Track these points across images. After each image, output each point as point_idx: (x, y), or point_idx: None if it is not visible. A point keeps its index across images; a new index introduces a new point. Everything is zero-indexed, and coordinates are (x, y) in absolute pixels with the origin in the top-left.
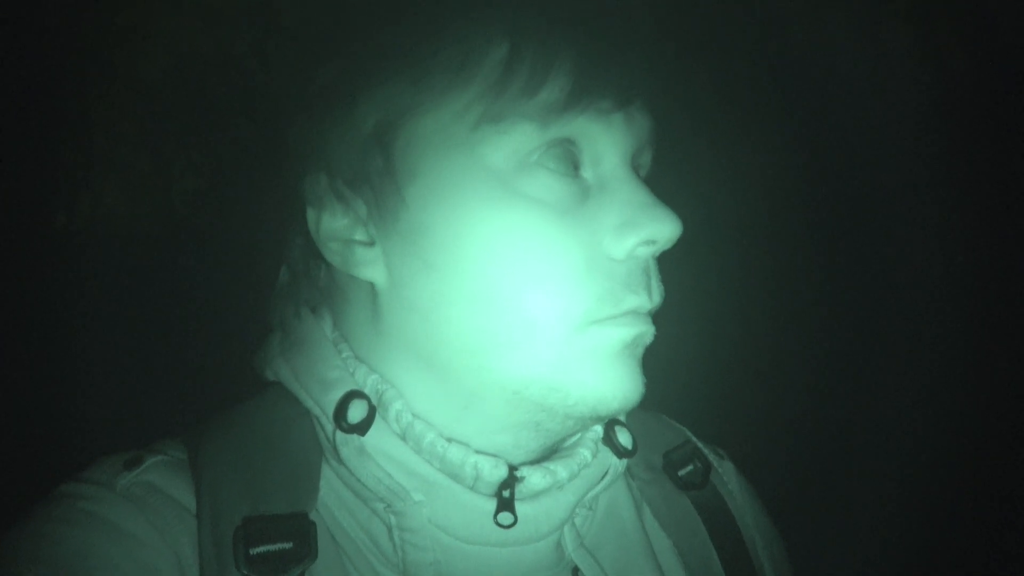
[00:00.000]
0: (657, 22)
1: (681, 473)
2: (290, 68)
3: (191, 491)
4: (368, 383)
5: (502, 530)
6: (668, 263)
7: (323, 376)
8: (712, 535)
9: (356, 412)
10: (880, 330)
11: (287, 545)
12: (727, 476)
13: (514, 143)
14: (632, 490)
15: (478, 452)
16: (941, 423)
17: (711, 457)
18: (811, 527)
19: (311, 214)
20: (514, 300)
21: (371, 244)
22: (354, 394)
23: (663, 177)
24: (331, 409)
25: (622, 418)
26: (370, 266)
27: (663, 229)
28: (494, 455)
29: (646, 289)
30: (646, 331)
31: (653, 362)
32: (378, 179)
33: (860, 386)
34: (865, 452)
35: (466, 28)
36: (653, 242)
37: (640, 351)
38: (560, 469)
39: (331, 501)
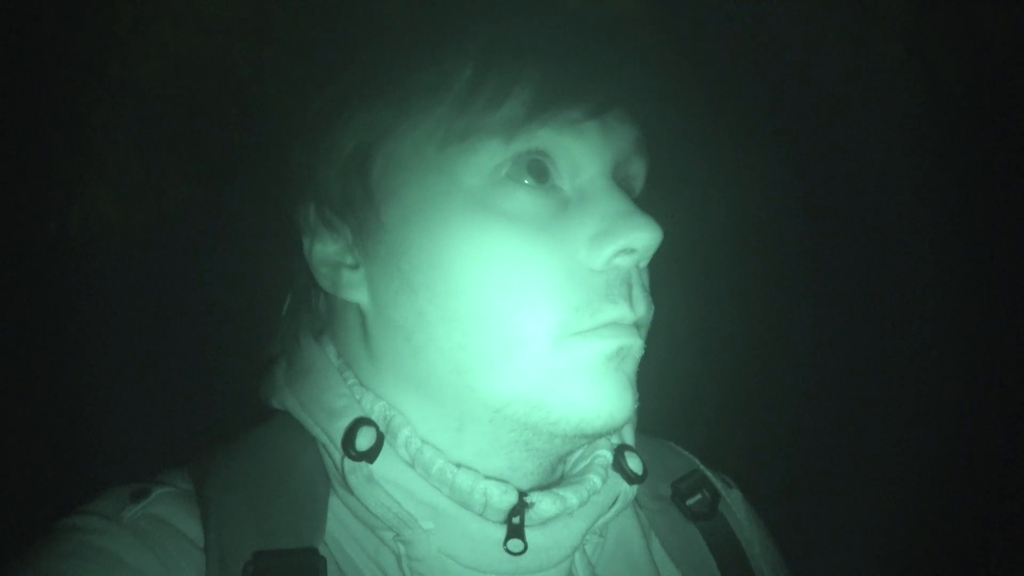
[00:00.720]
0: (633, 32)
1: (690, 503)
2: (281, 104)
3: (198, 524)
4: (376, 409)
5: (512, 558)
6: (674, 276)
7: (330, 405)
8: (720, 566)
9: (364, 440)
10: (879, 336)
11: None
12: (735, 505)
13: (482, 159)
14: (640, 519)
15: (487, 478)
16: (939, 431)
17: (719, 486)
18: (810, 536)
19: (306, 242)
20: (491, 317)
21: (357, 268)
22: (362, 421)
23: (657, 186)
24: (339, 437)
25: (630, 443)
26: (355, 288)
27: (640, 237)
28: (504, 481)
29: (626, 299)
30: (630, 343)
31: (654, 378)
32: (359, 203)
33: (860, 394)
34: (866, 461)
35: (439, 52)
36: (632, 251)
37: (628, 365)
38: (570, 495)
39: (338, 532)
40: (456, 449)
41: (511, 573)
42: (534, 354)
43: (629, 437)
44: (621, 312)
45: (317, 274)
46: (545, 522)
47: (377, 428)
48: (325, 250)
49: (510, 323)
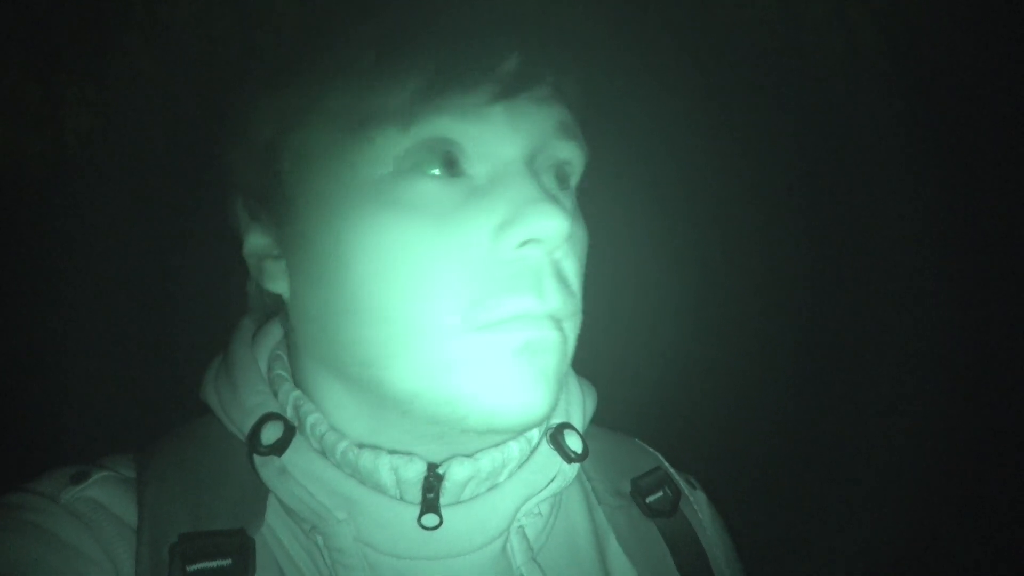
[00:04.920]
0: (545, 8)
1: (649, 500)
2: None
3: (134, 509)
4: (290, 400)
5: (432, 541)
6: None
7: (243, 402)
8: (679, 566)
9: (270, 434)
10: (866, 331)
11: (226, 562)
12: (698, 505)
13: (381, 148)
14: (596, 515)
15: (391, 452)
16: (929, 427)
17: (683, 486)
18: (793, 533)
19: (243, 235)
20: (389, 309)
21: (278, 258)
22: (270, 416)
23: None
24: (246, 434)
25: (576, 423)
26: (276, 279)
27: (544, 226)
28: (408, 453)
29: (534, 291)
30: (541, 336)
31: (627, 373)
32: (273, 194)
33: (845, 391)
34: (850, 458)
35: (337, 39)
36: (537, 240)
37: (546, 359)
38: (483, 459)
39: (276, 523)
40: (376, 437)
41: (432, 557)
42: (435, 348)
43: (577, 420)
44: (527, 305)
45: (249, 266)
46: (466, 500)
47: (286, 422)
48: (255, 242)
49: (409, 316)
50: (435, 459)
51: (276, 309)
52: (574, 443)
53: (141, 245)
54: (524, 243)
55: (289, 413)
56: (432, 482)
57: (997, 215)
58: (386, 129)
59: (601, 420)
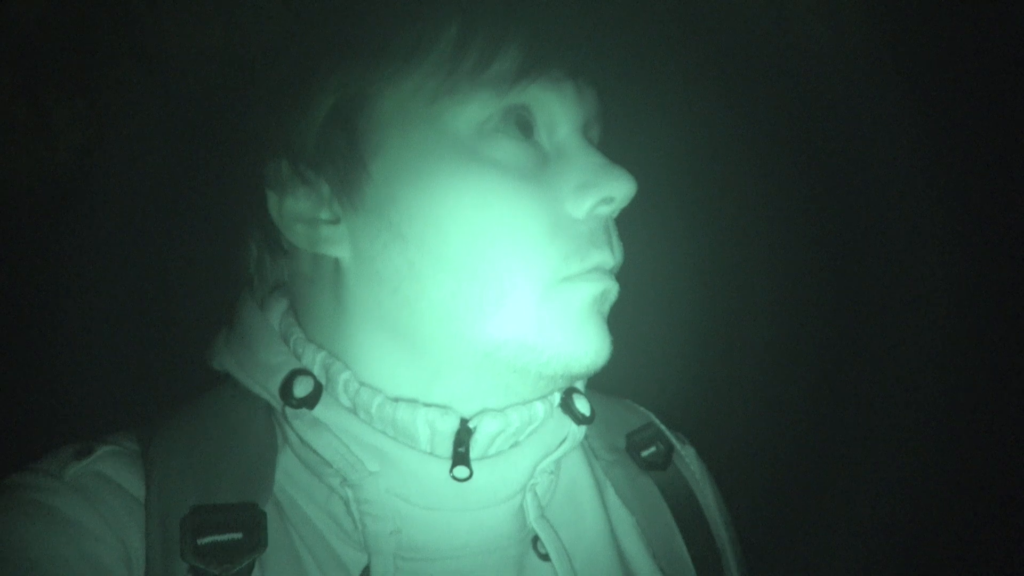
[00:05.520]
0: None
1: (644, 454)
2: (246, 62)
3: (141, 482)
4: (317, 360)
5: (460, 493)
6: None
7: (266, 361)
8: (675, 514)
9: (301, 388)
10: (879, 321)
11: (237, 535)
12: (689, 459)
13: (472, 111)
14: (595, 470)
15: (427, 405)
16: (939, 422)
17: (674, 441)
18: (802, 521)
19: (272, 199)
20: (485, 263)
21: (336, 222)
22: (298, 372)
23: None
24: (277, 389)
25: (580, 388)
26: (336, 244)
27: (620, 187)
28: (443, 405)
29: (608, 246)
30: (611, 287)
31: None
32: (341, 158)
33: (857, 380)
34: (862, 449)
35: (419, 9)
36: (611, 200)
37: (606, 309)
38: (512, 414)
39: (289, 487)
40: (424, 395)
41: (460, 509)
42: (526, 299)
43: (580, 383)
44: (605, 257)
45: (290, 231)
46: (491, 456)
47: (315, 378)
48: (297, 206)
49: (503, 270)
50: (466, 414)
51: (279, 281)
52: (583, 406)
53: (136, 259)
54: (600, 203)
55: (316, 372)
56: (463, 436)
57: (1007, 209)
58: (480, 93)
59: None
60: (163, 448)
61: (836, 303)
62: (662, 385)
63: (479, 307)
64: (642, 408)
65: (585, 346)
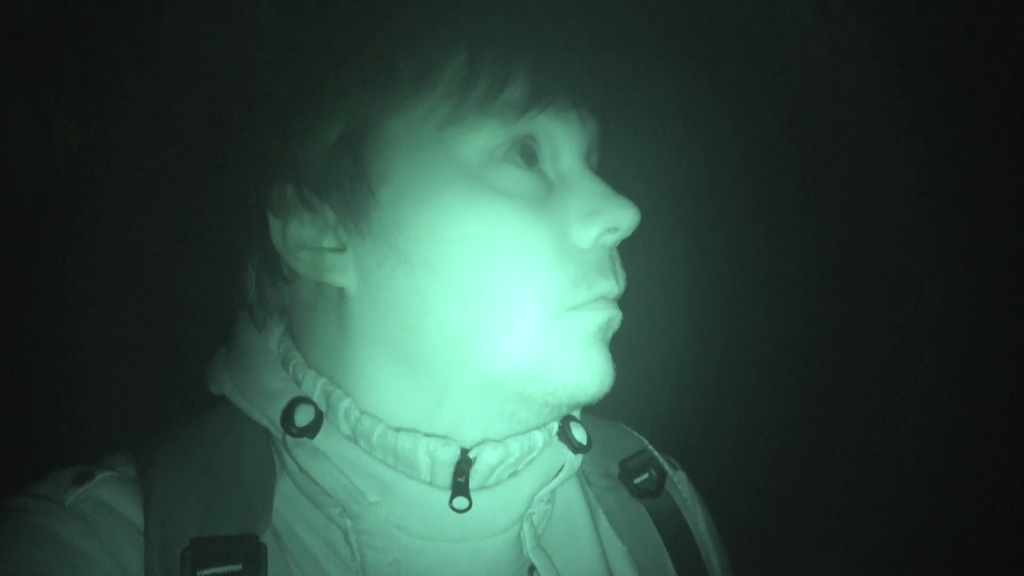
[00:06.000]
0: (608, 27)
1: (637, 481)
2: (249, 86)
3: (140, 509)
4: (317, 387)
5: (460, 522)
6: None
7: (267, 387)
8: (667, 543)
9: (303, 416)
10: (876, 332)
11: (236, 567)
12: (680, 485)
13: (482, 139)
14: (588, 496)
15: (428, 436)
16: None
17: (665, 466)
18: (798, 534)
19: (275, 224)
20: (493, 290)
21: (342, 250)
22: (299, 400)
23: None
24: (278, 417)
25: (577, 416)
26: (341, 272)
27: (625, 216)
28: (445, 435)
29: (613, 274)
30: (616, 315)
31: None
32: (348, 183)
33: (854, 390)
34: (859, 461)
35: (427, 37)
36: (616, 229)
37: (609, 336)
38: (512, 444)
39: (287, 514)
40: (428, 424)
41: (459, 540)
42: (532, 326)
43: (575, 411)
44: (610, 286)
45: (294, 259)
46: (490, 485)
47: (316, 406)
48: (302, 232)
49: (511, 296)
50: (466, 444)
51: (286, 308)
52: (580, 435)
53: (131, 268)
54: (605, 232)
55: (316, 399)
56: (463, 466)
57: (1002, 212)
58: (490, 122)
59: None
60: (161, 475)
61: (833, 313)
62: (657, 397)
63: (487, 333)
64: (635, 433)
65: (591, 374)
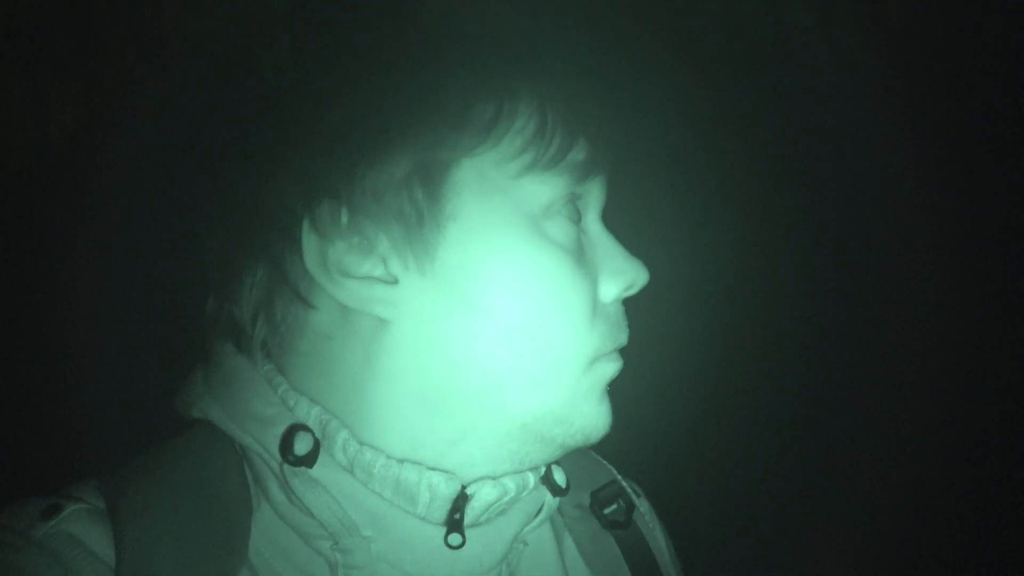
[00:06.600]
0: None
1: (607, 512)
2: (308, 96)
3: (111, 544)
4: (311, 415)
5: (451, 562)
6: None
7: (259, 413)
8: (634, 573)
9: (302, 445)
10: (872, 335)
11: None
12: (646, 513)
13: (550, 193)
14: (556, 529)
15: (431, 469)
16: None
17: (632, 497)
18: (796, 532)
19: (312, 244)
20: (545, 339)
21: (394, 282)
22: (297, 427)
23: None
24: (275, 444)
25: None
26: (391, 305)
27: (641, 276)
28: (447, 471)
29: (626, 329)
30: (621, 365)
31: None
32: (416, 217)
33: (850, 387)
34: (854, 466)
35: (500, 84)
36: (632, 287)
37: None
38: (509, 482)
39: (265, 549)
40: (434, 461)
41: None
42: (570, 374)
43: None
44: (624, 339)
45: (334, 284)
46: (481, 523)
47: (313, 434)
48: (345, 258)
49: (560, 346)
50: (466, 480)
51: (287, 330)
52: (560, 478)
53: (129, 242)
54: (626, 288)
55: (312, 427)
56: (459, 502)
57: (998, 215)
58: (560, 178)
59: None
60: (133, 508)
61: (831, 312)
62: (655, 397)
63: (530, 381)
64: (604, 461)
65: (603, 419)
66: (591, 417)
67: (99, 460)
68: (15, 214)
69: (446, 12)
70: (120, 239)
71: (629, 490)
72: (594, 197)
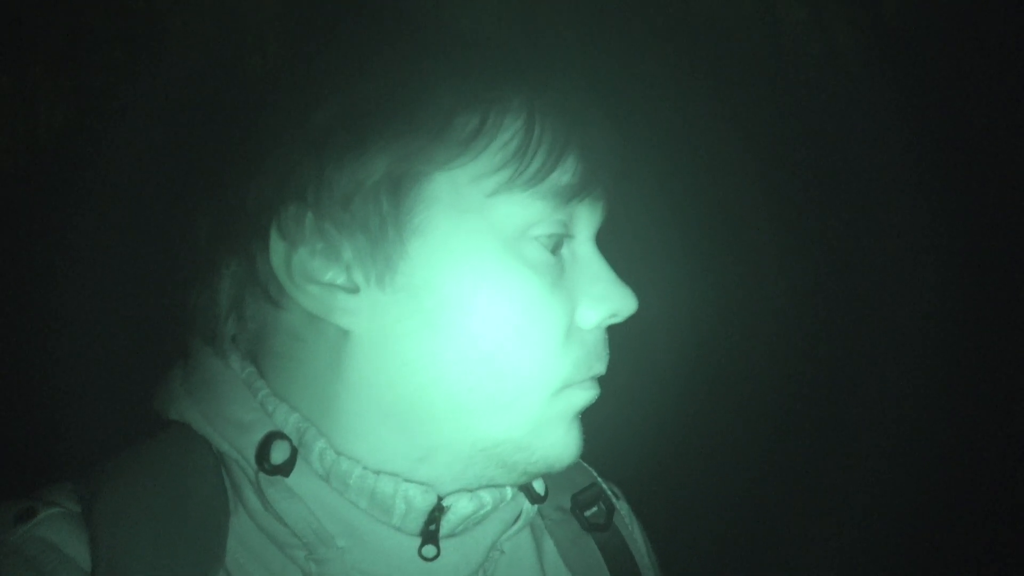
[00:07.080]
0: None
1: (587, 515)
2: (290, 98)
3: (87, 549)
4: (289, 423)
5: (427, 573)
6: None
7: (238, 418)
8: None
9: (279, 453)
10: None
11: None
12: (626, 515)
13: (525, 215)
14: (536, 530)
15: (407, 481)
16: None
17: (612, 499)
18: (795, 532)
19: (278, 246)
20: (508, 364)
21: (355, 291)
22: (275, 435)
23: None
24: (251, 451)
25: None
26: (351, 315)
27: (628, 304)
28: (423, 483)
29: (605, 357)
30: (597, 394)
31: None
32: (379, 227)
33: (849, 387)
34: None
35: (485, 96)
36: (615, 315)
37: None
38: (485, 495)
39: (241, 555)
40: (411, 474)
41: None
42: (535, 401)
43: None
44: (602, 368)
45: (298, 289)
46: (457, 533)
47: (291, 442)
48: (309, 264)
49: (524, 371)
50: (441, 492)
51: (255, 329)
52: (538, 486)
53: (118, 241)
54: (608, 317)
55: (288, 434)
56: (435, 514)
57: (997, 215)
58: (539, 202)
59: None
60: (108, 512)
61: (828, 313)
62: (652, 397)
63: (491, 405)
64: (586, 465)
65: (568, 448)
66: (555, 447)
67: (73, 460)
68: (4, 212)
69: (438, 16)
70: (106, 235)
71: (609, 492)
72: (585, 218)
